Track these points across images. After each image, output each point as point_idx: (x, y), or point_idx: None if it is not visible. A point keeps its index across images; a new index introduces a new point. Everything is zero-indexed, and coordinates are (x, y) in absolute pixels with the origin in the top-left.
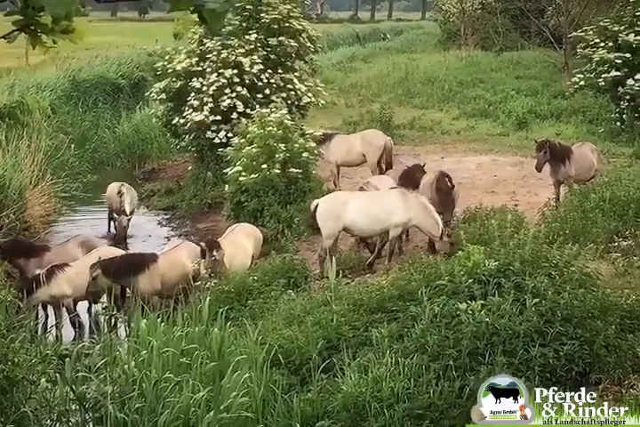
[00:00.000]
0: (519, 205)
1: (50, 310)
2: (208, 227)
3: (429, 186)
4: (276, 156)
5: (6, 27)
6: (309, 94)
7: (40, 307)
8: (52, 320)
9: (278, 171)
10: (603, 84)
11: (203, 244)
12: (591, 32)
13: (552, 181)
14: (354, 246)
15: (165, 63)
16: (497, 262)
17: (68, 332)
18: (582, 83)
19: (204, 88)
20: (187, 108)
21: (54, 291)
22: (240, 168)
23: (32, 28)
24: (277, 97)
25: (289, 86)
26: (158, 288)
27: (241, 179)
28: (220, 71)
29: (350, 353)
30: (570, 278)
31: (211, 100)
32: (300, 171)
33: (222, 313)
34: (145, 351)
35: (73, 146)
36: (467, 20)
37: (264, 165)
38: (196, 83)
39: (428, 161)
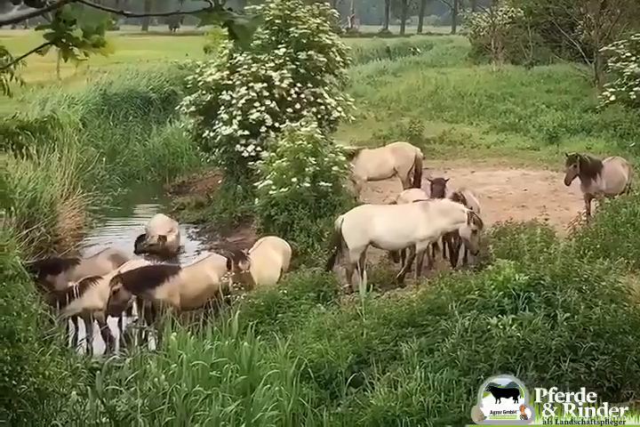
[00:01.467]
0: (549, 219)
1: (80, 322)
2: (238, 240)
3: None
4: (306, 169)
5: (36, 41)
6: (339, 108)
7: (70, 320)
8: (82, 333)
9: (308, 184)
10: (634, 97)
11: (229, 254)
12: (622, 46)
13: (583, 196)
14: (384, 260)
15: (196, 76)
16: (527, 277)
17: (99, 345)
18: (613, 97)
19: (234, 101)
20: (217, 122)
21: (87, 304)
22: (270, 182)
23: (63, 41)
24: (307, 111)
25: (319, 101)
26: (176, 300)
27: (271, 192)
28: (250, 85)
29: (380, 367)
30: (601, 293)
31: (240, 113)
32: (330, 184)
33: (252, 327)
34: (175, 365)
35: (104, 159)
36: (497, 34)
37: (294, 179)
38: (225, 95)
39: (457, 175)
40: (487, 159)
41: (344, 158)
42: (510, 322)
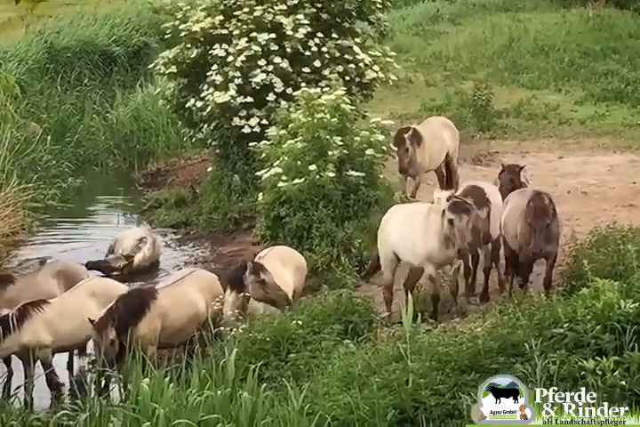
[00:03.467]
0: None
1: (15, 364)
2: (234, 251)
3: (520, 210)
4: (330, 153)
5: None
6: (375, 68)
7: (1, 361)
8: (17, 379)
9: (332, 174)
10: None
11: (248, 264)
12: None
13: None
14: None
15: (177, 23)
16: (638, 304)
17: (42, 395)
18: None
19: (230, 58)
20: (206, 87)
21: (27, 338)
22: (279, 170)
23: None
24: (331, 71)
25: (347, 57)
26: (155, 335)
27: (280, 185)
28: (252, 35)
29: None
30: None
31: (239, 74)
32: (362, 174)
33: (254, 371)
34: (147, 423)
35: (48, 138)
36: None
37: (313, 166)
38: (219, 50)
39: (540, 162)
40: (581, 140)
41: (382, 138)
42: (612, 366)
